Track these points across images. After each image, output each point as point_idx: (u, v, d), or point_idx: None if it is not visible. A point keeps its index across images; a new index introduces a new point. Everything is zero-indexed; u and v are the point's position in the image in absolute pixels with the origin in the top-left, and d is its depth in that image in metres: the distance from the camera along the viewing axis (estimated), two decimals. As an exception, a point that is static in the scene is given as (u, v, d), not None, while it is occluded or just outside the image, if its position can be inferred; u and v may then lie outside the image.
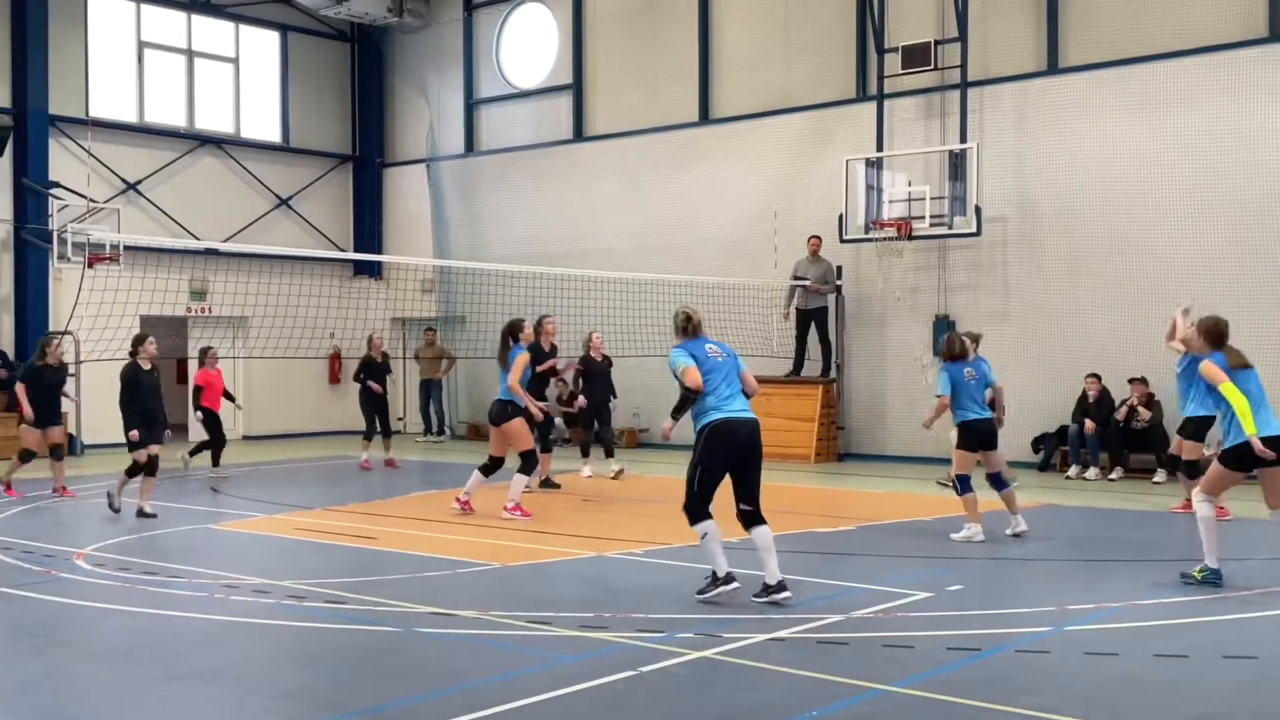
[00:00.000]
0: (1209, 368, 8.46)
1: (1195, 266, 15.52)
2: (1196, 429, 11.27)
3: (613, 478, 15.18)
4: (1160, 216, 15.94)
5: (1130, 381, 15.53)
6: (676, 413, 8.05)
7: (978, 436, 10.71)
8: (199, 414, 16.48)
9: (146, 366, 12.46)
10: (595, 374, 15.43)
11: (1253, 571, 9.31)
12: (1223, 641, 7.02)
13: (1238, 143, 15.40)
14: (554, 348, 14.68)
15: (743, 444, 8.00)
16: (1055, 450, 16.46)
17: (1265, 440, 8.24)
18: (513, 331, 12.25)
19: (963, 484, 10.67)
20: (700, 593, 8.08)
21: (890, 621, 7.45)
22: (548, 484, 14.25)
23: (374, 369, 17.66)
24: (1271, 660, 6.57)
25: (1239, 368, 8.48)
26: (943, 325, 17.46)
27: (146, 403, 12.47)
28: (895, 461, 17.54)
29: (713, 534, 8.00)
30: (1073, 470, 15.76)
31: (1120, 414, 15.47)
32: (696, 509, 8.00)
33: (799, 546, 10.26)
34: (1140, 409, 15.33)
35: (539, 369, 13.83)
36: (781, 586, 7.87)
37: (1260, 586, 8.52)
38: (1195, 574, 8.49)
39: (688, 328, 8.47)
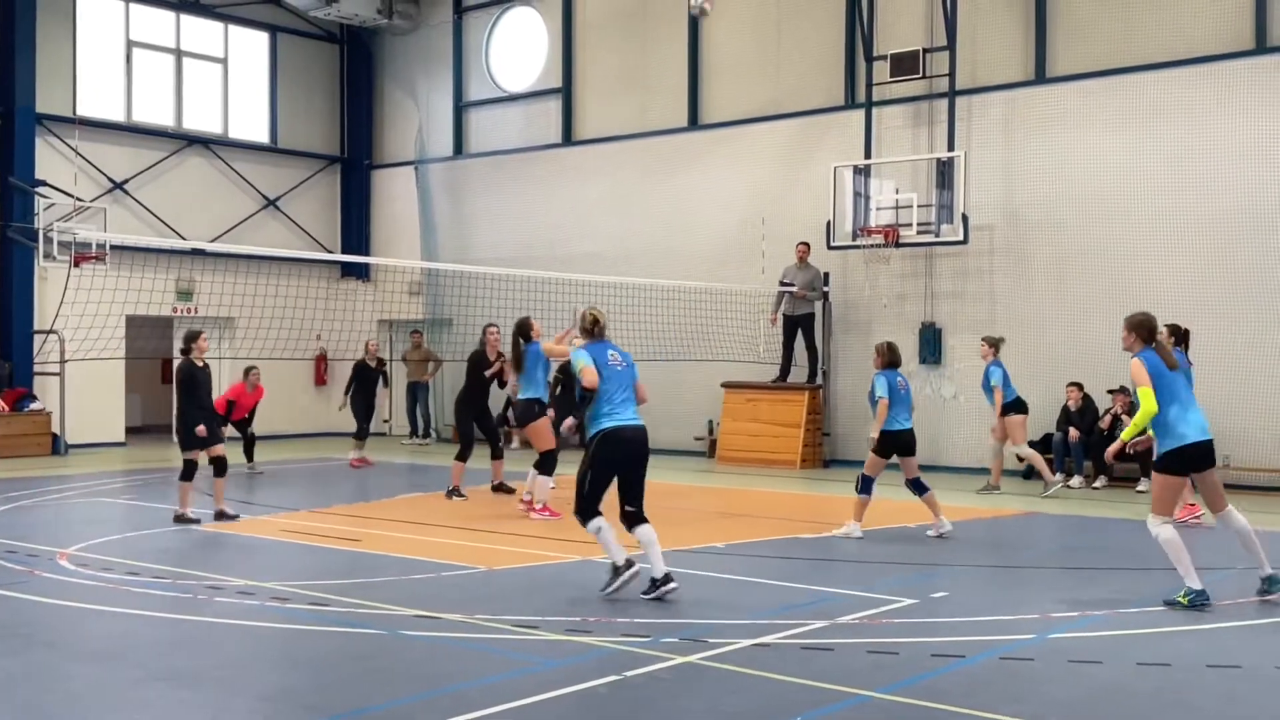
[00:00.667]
0: (1137, 368, 8.23)
1: (1181, 277, 15.60)
2: None
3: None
4: (1146, 227, 16.02)
5: (1110, 392, 15.61)
6: (577, 411, 8.52)
7: (897, 445, 11.13)
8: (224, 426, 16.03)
9: (200, 364, 12.06)
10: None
11: (1235, 581, 9.35)
12: (1206, 651, 7.05)
13: (1224, 154, 15.48)
14: (500, 355, 13.77)
15: (631, 450, 8.43)
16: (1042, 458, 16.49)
17: (1196, 445, 8.16)
18: (523, 331, 12.24)
19: (865, 485, 11.07)
20: (604, 589, 8.37)
21: (875, 628, 7.46)
22: (500, 489, 13.85)
23: (366, 374, 17.63)
24: (1254, 670, 6.60)
25: (1169, 369, 8.31)
26: (929, 332, 17.53)
27: (205, 400, 12.10)
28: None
29: (605, 529, 8.39)
30: (1057, 478, 15.79)
31: (1104, 423, 15.53)
32: (587, 510, 8.40)
33: (784, 552, 10.27)
34: (1124, 418, 15.38)
35: (486, 374, 13.68)
36: (668, 579, 8.24)
37: (1243, 596, 8.56)
38: (1180, 599, 8.10)
39: (593, 330, 8.79)
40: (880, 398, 11.09)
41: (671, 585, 8.22)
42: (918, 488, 11.20)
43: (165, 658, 6.79)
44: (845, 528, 11.12)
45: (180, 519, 11.76)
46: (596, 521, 8.37)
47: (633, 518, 8.40)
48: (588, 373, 8.33)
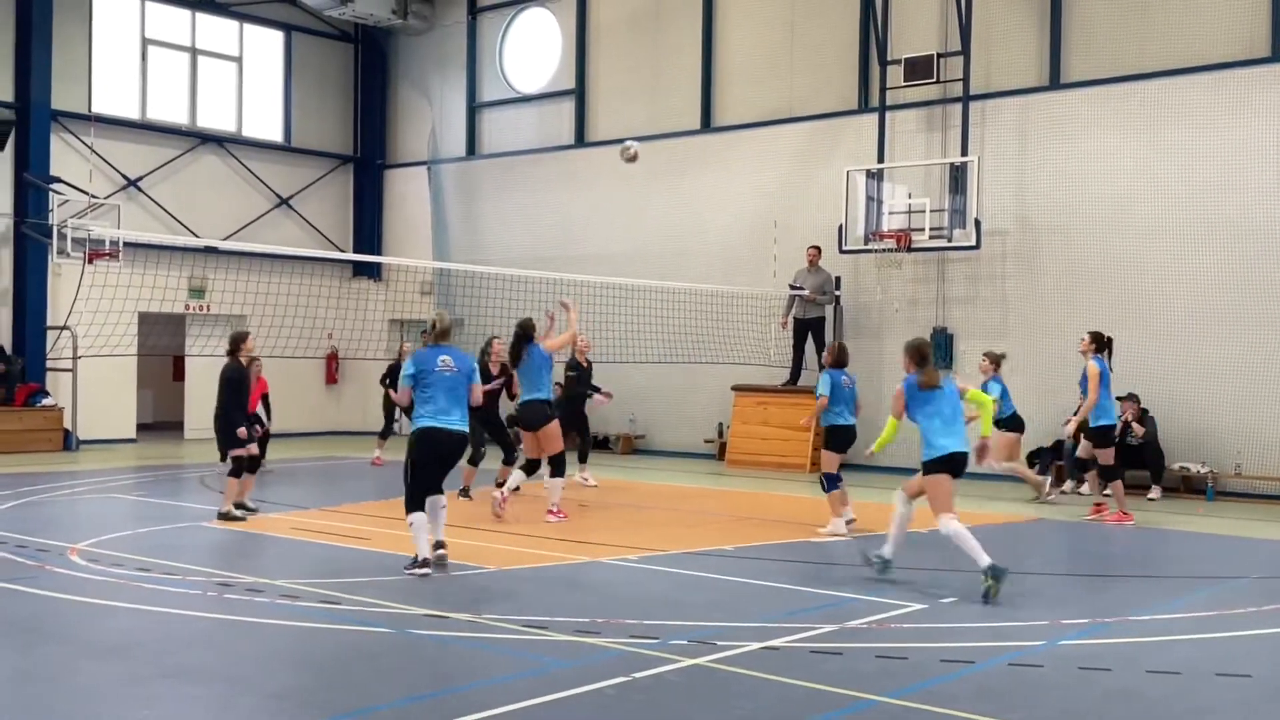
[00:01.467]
0: (897, 394, 9.08)
1: (1193, 284, 15.56)
2: (1101, 435, 12.66)
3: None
4: (1159, 234, 15.97)
5: (1119, 399, 15.54)
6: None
7: (844, 440, 11.58)
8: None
9: (245, 364, 12.13)
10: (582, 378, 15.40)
11: (1246, 590, 9.32)
12: (1216, 659, 7.02)
13: (1238, 161, 15.43)
14: (503, 368, 13.31)
15: (443, 451, 9.22)
16: (1050, 465, 16.45)
17: (949, 456, 8.79)
18: (526, 333, 12.11)
19: (830, 482, 11.40)
20: (406, 568, 9.07)
21: (884, 632, 7.45)
22: (465, 493, 13.45)
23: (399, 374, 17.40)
24: (1264, 678, 6.57)
25: (928, 388, 8.90)
26: (940, 338, 17.49)
27: (245, 401, 12.20)
28: (891, 473, 17.46)
29: (419, 524, 9.11)
30: (1067, 485, 15.75)
31: (1131, 438, 15.45)
32: (412, 501, 9.14)
33: (793, 556, 10.26)
34: (1134, 425, 15.35)
35: (485, 388, 13.45)
36: (427, 563, 9.02)
37: (1253, 605, 8.52)
38: (984, 583, 8.37)
39: (434, 334, 9.46)
40: (821, 395, 11.47)
41: (426, 571, 8.95)
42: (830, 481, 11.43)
43: (175, 654, 6.81)
44: (830, 526, 11.40)
45: (225, 516, 11.72)
46: (415, 516, 9.11)
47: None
48: (403, 393, 9.33)
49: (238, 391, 11.92)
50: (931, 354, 9.27)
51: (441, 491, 9.26)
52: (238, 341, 12.10)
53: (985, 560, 8.44)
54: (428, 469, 9.16)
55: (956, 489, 8.93)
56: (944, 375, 9.26)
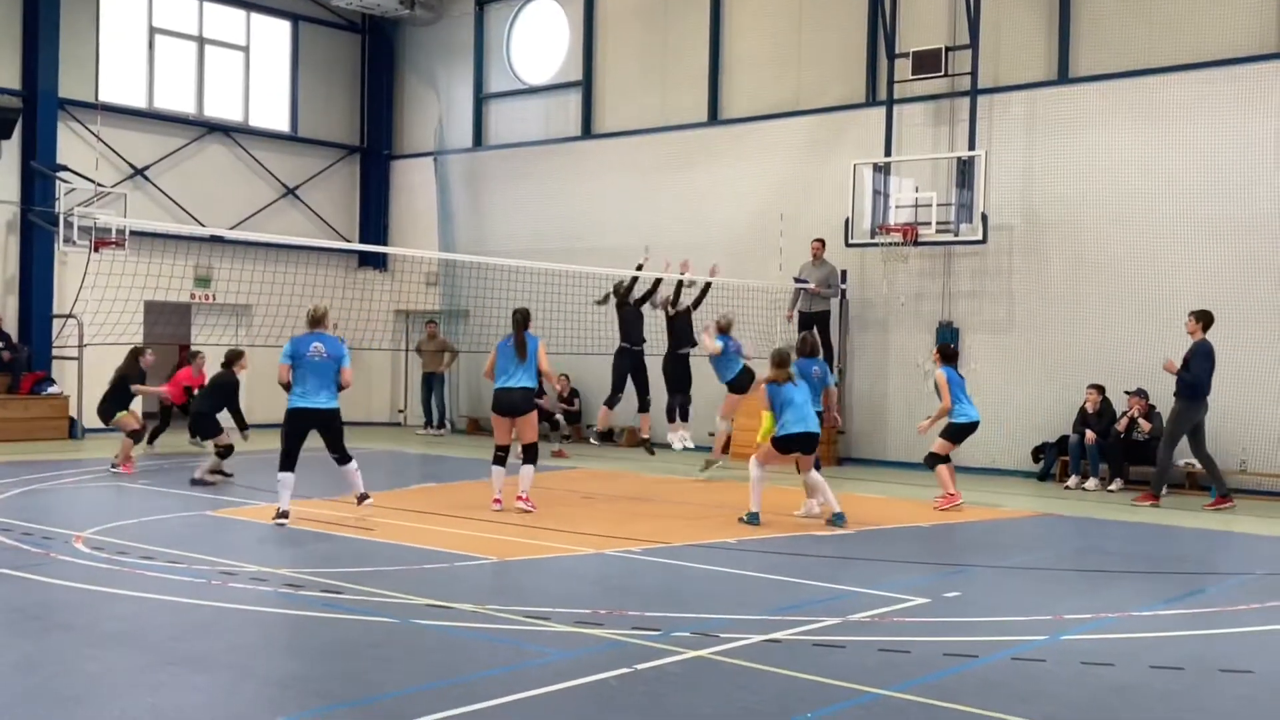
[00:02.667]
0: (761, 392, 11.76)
1: (1200, 280, 15.51)
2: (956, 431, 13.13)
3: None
4: (1167, 229, 15.93)
5: (1127, 394, 15.54)
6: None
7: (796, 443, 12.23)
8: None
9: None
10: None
11: (1250, 586, 9.31)
12: (1219, 655, 7.02)
13: (1247, 156, 15.39)
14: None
15: (309, 422, 10.95)
16: (1056, 460, 16.46)
17: (790, 436, 11.46)
18: (525, 321, 12.15)
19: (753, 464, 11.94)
20: (272, 518, 10.81)
21: (887, 626, 7.45)
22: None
23: None
24: (1268, 675, 6.57)
25: (785, 382, 11.48)
26: (946, 332, 17.46)
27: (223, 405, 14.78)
28: (896, 467, 17.54)
29: (285, 481, 10.90)
30: (1072, 480, 15.74)
31: (1120, 425, 15.47)
32: (282, 462, 10.97)
33: (796, 549, 10.26)
34: (1140, 420, 15.33)
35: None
36: (285, 515, 10.87)
37: (1257, 601, 8.52)
38: (743, 517, 11.41)
39: (311, 321, 11.13)
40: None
41: (283, 522, 10.78)
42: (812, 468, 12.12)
43: (179, 642, 6.82)
44: (803, 508, 12.21)
45: (199, 481, 13.81)
46: (284, 475, 10.89)
47: (340, 460, 11.22)
48: (281, 370, 10.86)
49: (234, 396, 14.85)
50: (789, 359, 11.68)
51: (350, 459, 11.19)
52: (235, 359, 14.69)
53: (755, 509, 11.39)
54: (293, 440, 10.97)
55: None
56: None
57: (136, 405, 16.41)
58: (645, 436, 16.01)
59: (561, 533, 10.81)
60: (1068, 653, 6.89)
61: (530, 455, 12.10)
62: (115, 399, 15.40)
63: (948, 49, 17.41)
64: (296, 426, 10.98)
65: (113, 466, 15.04)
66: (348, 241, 23.71)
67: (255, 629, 7.25)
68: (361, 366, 20.73)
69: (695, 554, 9.89)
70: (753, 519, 11.38)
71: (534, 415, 12.14)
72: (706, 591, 8.56)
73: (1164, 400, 15.48)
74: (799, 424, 11.44)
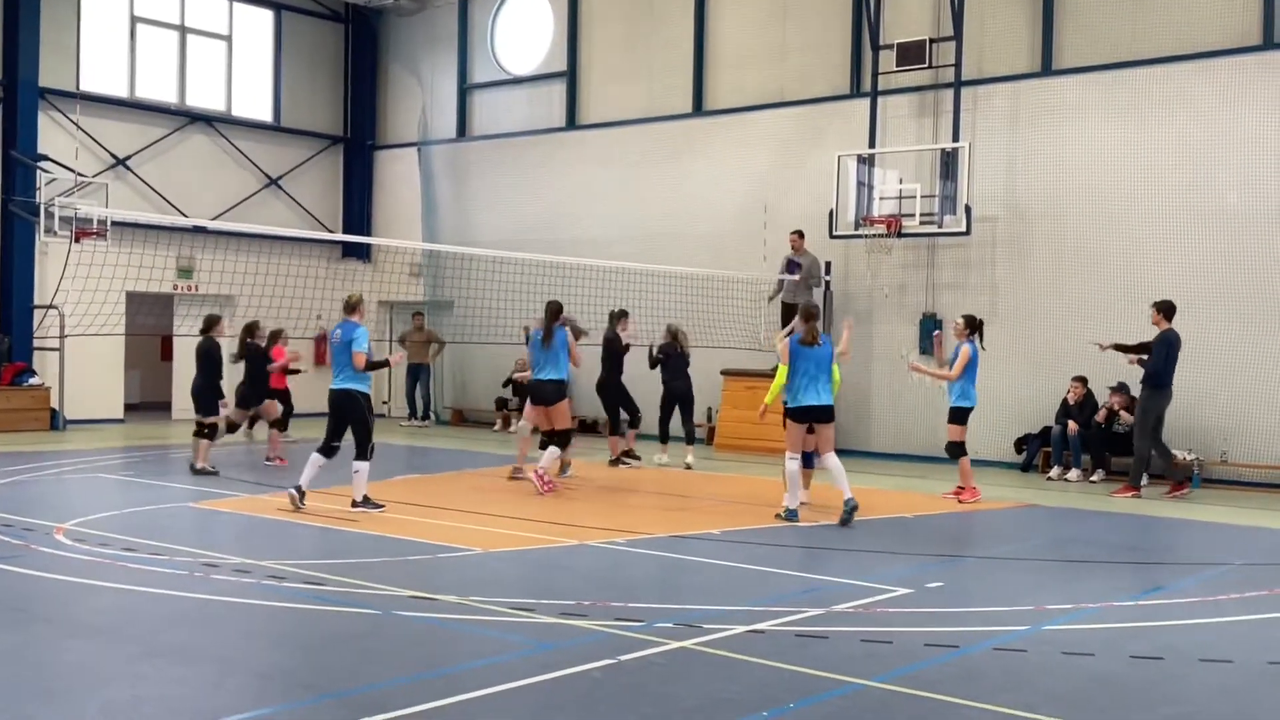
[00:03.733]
0: (782, 348, 11.40)
1: (1181, 272, 15.60)
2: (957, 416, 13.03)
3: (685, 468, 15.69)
4: (1149, 221, 16.00)
5: (1110, 389, 15.61)
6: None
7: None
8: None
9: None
10: (672, 360, 15.83)
11: (1231, 576, 9.37)
12: (1199, 644, 7.07)
13: (1230, 149, 15.46)
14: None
15: (331, 405, 11.48)
16: (1038, 451, 16.53)
17: (805, 408, 11.16)
18: (557, 314, 12.83)
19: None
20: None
21: (869, 617, 7.47)
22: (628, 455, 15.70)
23: None
24: (1246, 664, 6.62)
25: (811, 343, 11.18)
26: (929, 323, 17.51)
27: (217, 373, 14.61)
28: (879, 458, 17.59)
29: (313, 460, 11.50)
30: (1054, 471, 15.83)
31: (1100, 416, 15.55)
32: (321, 444, 11.66)
33: (780, 539, 10.29)
34: (1122, 413, 15.41)
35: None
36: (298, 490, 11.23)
37: (1236, 591, 8.58)
38: (780, 514, 11.11)
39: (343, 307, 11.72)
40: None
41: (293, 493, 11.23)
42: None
43: (161, 634, 6.81)
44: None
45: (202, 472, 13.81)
46: (314, 454, 11.52)
47: (329, 451, 11.57)
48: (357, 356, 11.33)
49: (220, 363, 14.43)
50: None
51: (361, 455, 11.32)
52: (214, 323, 14.58)
53: (793, 505, 11.13)
54: (328, 424, 11.53)
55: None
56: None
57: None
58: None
59: (545, 524, 10.81)
60: (1049, 643, 6.92)
61: (559, 440, 12.93)
62: (216, 387, 14.40)
63: (932, 41, 17.43)
64: (329, 410, 11.52)
65: (267, 460, 15.17)
66: (331, 232, 23.62)
67: (238, 621, 7.24)
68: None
69: (679, 545, 9.90)
70: (791, 516, 11.11)
71: (564, 405, 12.82)
72: (690, 583, 8.58)
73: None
74: (811, 395, 11.16)
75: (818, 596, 7.99)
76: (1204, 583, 9.06)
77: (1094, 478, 15.51)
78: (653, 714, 5.49)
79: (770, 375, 18.23)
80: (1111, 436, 15.57)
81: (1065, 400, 15.96)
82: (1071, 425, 15.65)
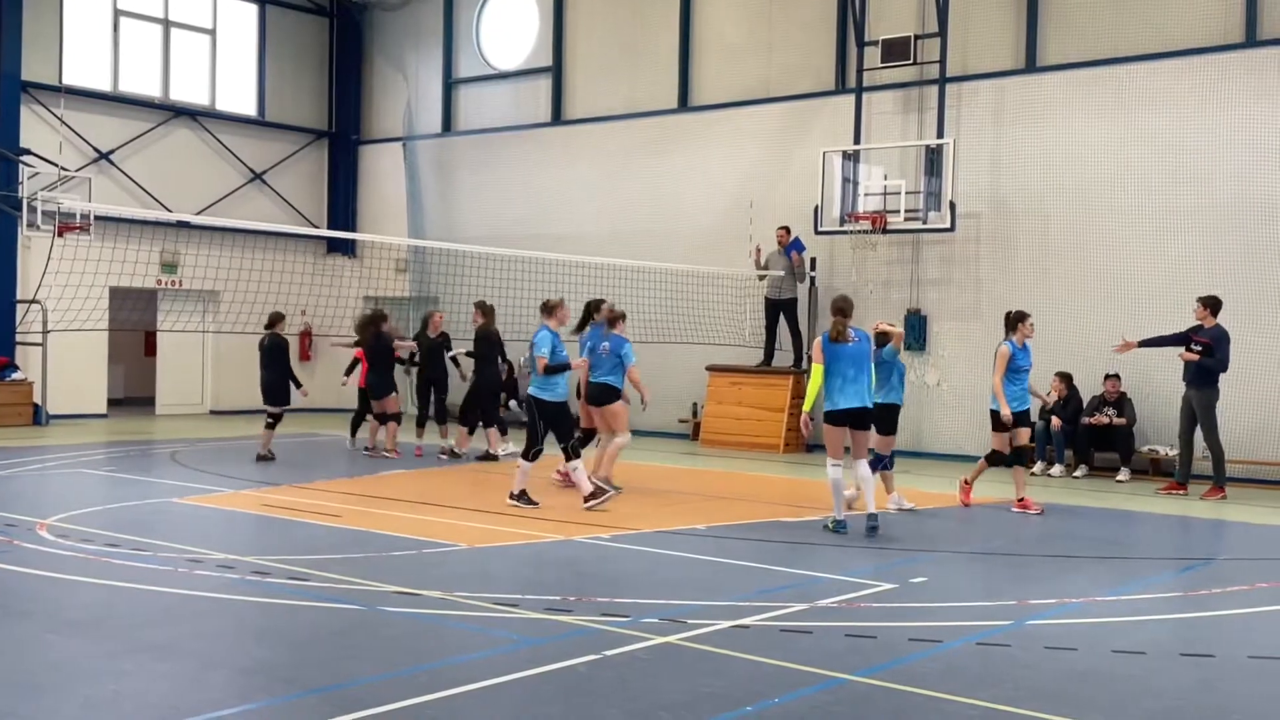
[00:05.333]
0: (815, 346, 10.64)
1: (1165, 268, 15.67)
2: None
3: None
4: (1133, 217, 16.07)
5: (1107, 377, 15.64)
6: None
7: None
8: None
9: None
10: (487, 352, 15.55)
11: (1213, 571, 9.43)
12: (1181, 639, 7.11)
13: (1213, 146, 15.53)
14: (444, 336, 16.10)
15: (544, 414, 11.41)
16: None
17: (842, 411, 10.29)
18: (590, 312, 12.86)
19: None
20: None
21: (853, 611, 7.49)
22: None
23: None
24: (1228, 658, 6.65)
25: (840, 340, 10.44)
26: (914, 319, 17.56)
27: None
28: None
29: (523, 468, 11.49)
30: (1038, 467, 15.87)
31: (1095, 420, 15.54)
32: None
33: (764, 535, 10.30)
34: (1109, 407, 15.49)
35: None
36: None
37: (1219, 586, 8.63)
38: (829, 526, 10.33)
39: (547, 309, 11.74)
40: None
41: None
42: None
43: (144, 629, 6.78)
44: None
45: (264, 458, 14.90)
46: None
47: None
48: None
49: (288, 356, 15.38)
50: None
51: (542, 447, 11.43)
52: (277, 319, 15.38)
53: (840, 515, 10.31)
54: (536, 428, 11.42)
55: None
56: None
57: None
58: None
59: (530, 519, 10.80)
60: (1032, 637, 6.95)
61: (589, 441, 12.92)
62: (285, 381, 15.40)
63: (917, 37, 17.47)
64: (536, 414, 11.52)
65: (384, 452, 15.68)
66: (316, 227, 23.57)
67: (221, 616, 7.22)
68: (331, 353, 20.67)
69: (664, 540, 9.91)
70: (839, 527, 10.25)
71: (615, 406, 12.44)
72: (675, 577, 8.59)
73: (1130, 388, 15.63)
74: (849, 396, 10.29)
75: (802, 591, 8.00)
76: (1187, 578, 9.11)
77: (1077, 473, 15.58)
78: (637, 709, 5.50)
79: (753, 372, 18.36)
80: (1094, 432, 15.62)
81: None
82: (1055, 421, 15.70)
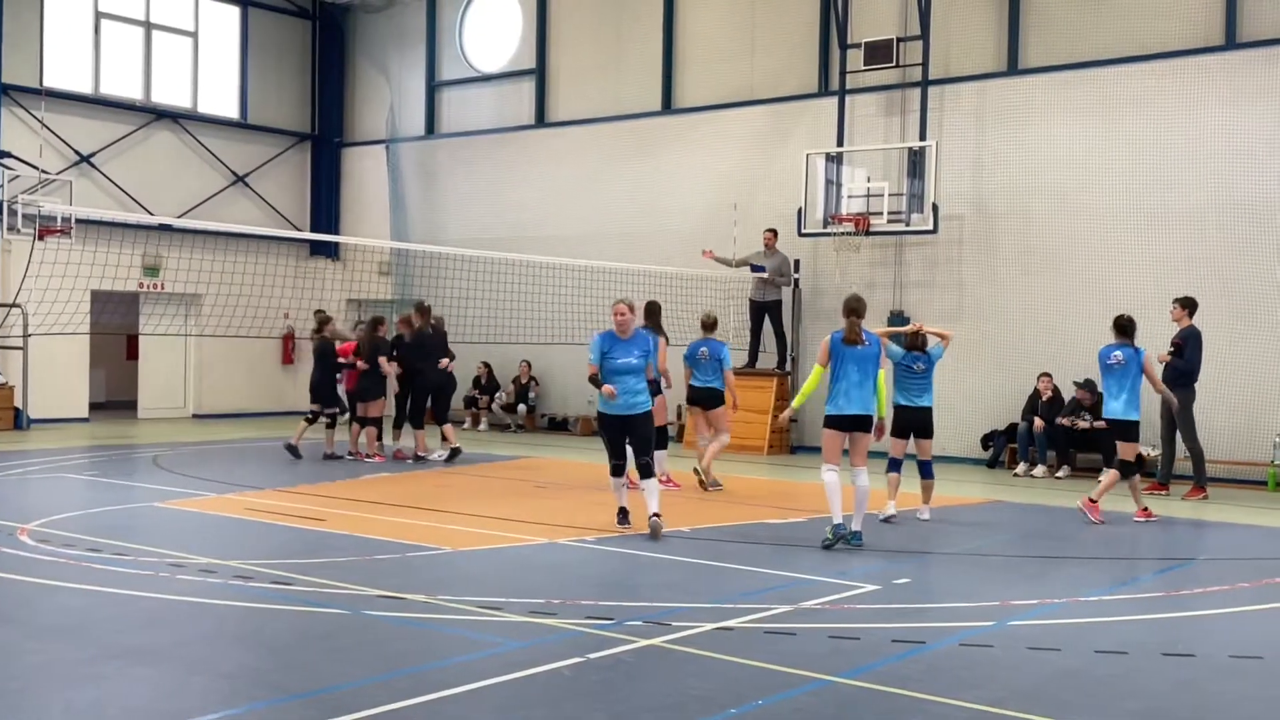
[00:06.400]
0: (821, 346, 10.25)
1: (1146, 269, 15.75)
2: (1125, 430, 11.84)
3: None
4: (1115, 219, 16.15)
5: (1076, 385, 15.72)
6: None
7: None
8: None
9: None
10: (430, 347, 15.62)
11: (1194, 571, 9.48)
12: (1162, 639, 7.14)
13: (1194, 148, 15.63)
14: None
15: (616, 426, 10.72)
16: (1004, 447, 16.65)
17: (843, 417, 9.94)
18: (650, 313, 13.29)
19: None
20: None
21: (837, 613, 7.51)
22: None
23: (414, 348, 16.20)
24: (1208, 658, 6.69)
25: (853, 342, 10.04)
26: (897, 320, 17.59)
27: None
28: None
29: (615, 485, 10.82)
30: (1021, 467, 15.94)
31: (1065, 421, 15.60)
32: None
33: (750, 537, 10.31)
34: (1086, 412, 15.56)
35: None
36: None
37: (1200, 586, 8.67)
38: (828, 534, 9.78)
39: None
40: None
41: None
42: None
43: (125, 634, 6.75)
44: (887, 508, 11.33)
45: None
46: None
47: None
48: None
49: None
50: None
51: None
52: (325, 322, 15.76)
53: (838, 520, 9.76)
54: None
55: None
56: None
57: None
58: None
59: (514, 522, 10.79)
60: (1015, 638, 6.98)
61: (659, 440, 12.59)
62: (334, 381, 15.92)
63: (899, 40, 17.52)
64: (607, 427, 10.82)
65: (367, 457, 15.65)
66: (299, 230, 23.50)
67: (204, 621, 7.18)
68: (313, 356, 20.60)
69: (649, 543, 9.91)
70: (838, 530, 9.81)
71: (721, 409, 13.10)
72: (660, 580, 8.59)
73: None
74: (853, 402, 9.92)
75: (786, 593, 8.01)
76: (1168, 578, 9.16)
77: (1059, 474, 15.64)
78: (621, 712, 5.50)
79: (737, 374, 18.31)
80: (1076, 433, 15.69)
81: (1034, 395, 16.08)
82: (1038, 422, 15.77)
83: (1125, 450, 11.79)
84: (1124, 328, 11.83)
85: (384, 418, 16.10)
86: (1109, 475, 11.88)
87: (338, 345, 15.85)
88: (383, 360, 15.50)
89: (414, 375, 15.53)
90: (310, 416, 15.83)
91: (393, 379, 15.90)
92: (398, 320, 16.00)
